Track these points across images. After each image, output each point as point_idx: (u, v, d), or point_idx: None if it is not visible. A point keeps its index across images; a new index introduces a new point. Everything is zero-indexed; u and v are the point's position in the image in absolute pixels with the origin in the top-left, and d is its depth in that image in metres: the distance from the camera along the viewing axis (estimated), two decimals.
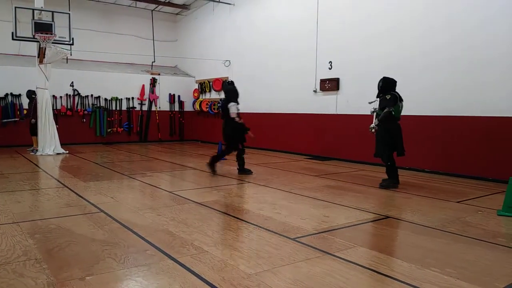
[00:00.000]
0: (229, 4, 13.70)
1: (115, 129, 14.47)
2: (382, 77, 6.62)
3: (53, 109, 11.41)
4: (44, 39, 10.44)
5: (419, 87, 8.28)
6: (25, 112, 12.00)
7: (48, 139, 10.83)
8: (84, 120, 13.87)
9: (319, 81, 10.48)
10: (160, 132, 15.46)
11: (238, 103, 7.51)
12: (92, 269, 3.07)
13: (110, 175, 7.72)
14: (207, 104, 15.02)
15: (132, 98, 14.88)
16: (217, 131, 14.33)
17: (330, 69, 10.20)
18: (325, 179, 7.27)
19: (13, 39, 10.48)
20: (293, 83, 11.30)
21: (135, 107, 14.98)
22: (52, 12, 10.78)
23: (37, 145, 11.11)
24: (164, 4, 15.63)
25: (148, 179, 7.22)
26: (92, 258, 3.31)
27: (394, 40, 8.75)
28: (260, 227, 4.19)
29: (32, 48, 11.07)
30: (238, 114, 7.44)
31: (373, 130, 6.44)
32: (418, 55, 8.31)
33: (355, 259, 3.28)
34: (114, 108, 14.48)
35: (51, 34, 10.55)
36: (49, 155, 10.58)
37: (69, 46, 11.27)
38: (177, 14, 16.71)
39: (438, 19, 7.96)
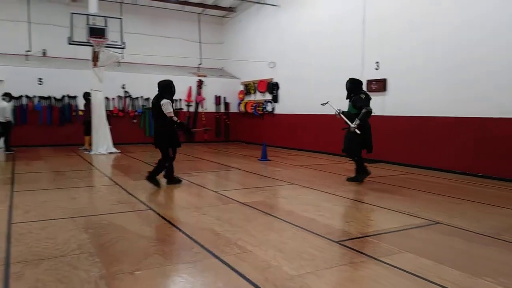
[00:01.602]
0: (274, 5, 13.74)
1: None
2: (349, 79, 7.05)
3: (106, 110, 11.95)
4: (98, 43, 10.98)
5: (469, 89, 7.91)
6: (80, 113, 12.64)
7: (102, 139, 11.36)
8: (135, 120, 14.43)
9: (365, 81, 10.27)
10: (206, 133, 15.75)
11: (172, 101, 6.40)
12: (141, 264, 3.20)
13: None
14: (252, 106, 15.14)
15: (180, 99, 15.29)
16: (262, 132, 14.51)
17: (377, 69, 9.97)
18: (370, 182, 7.11)
19: (69, 43, 11.10)
20: (338, 84, 11.10)
21: (182, 109, 15.37)
22: (105, 17, 11.30)
23: (88, 145, 11.69)
24: (211, 7, 15.94)
25: (194, 178, 7.38)
26: (141, 253, 3.44)
27: (447, 43, 8.40)
28: (304, 229, 4.17)
29: (86, 52, 11.66)
30: (175, 113, 6.48)
31: (357, 130, 6.58)
32: (472, 59, 7.92)
33: (401, 265, 3.19)
34: None
35: (104, 38, 11.07)
36: (102, 154, 11.09)
37: (121, 49, 11.77)
38: (223, 17, 17.00)
39: (495, 24, 7.55)
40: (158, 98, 6.27)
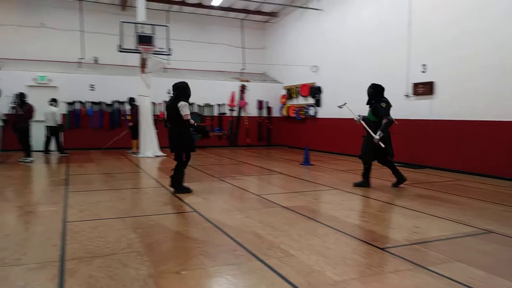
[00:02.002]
0: (317, 9, 13.69)
1: None
2: (371, 84, 6.90)
3: (152, 115, 12.35)
4: (146, 50, 11.39)
5: None
6: (128, 117, 13.13)
7: (148, 143, 11.76)
8: None
9: (411, 85, 10.00)
10: (249, 137, 15.91)
11: (189, 104, 6.13)
12: (186, 264, 3.30)
13: (202, 177, 8.14)
14: (294, 110, 15.13)
15: (223, 104, 15.55)
16: (304, 136, 14.44)
17: (423, 72, 9.68)
18: (416, 188, 6.91)
19: (119, 51, 11.60)
20: (385, 86, 10.90)
21: (226, 113, 15.62)
22: (153, 25, 11.71)
23: (136, 148, 12.13)
24: (254, 13, 16.12)
25: (237, 182, 7.48)
26: (186, 254, 3.54)
27: (497, 39, 8.03)
28: (348, 234, 4.12)
29: (135, 59, 12.12)
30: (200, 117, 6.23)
31: (381, 143, 6.47)
32: None
33: (451, 275, 3.08)
34: (206, 114, 15.26)
35: (152, 45, 11.48)
36: (149, 157, 11.46)
37: (167, 56, 12.14)
38: (265, 22, 17.13)
39: None
40: (174, 100, 6.02)
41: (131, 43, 11.44)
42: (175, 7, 15.35)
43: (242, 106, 15.83)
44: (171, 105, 6.03)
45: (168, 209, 5.25)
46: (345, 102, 7.50)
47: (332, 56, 13.17)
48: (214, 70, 16.11)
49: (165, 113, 6.30)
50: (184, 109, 5.92)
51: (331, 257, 3.46)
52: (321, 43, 13.68)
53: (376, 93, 6.77)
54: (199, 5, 15.27)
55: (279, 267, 3.21)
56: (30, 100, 10.55)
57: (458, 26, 8.85)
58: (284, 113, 15.74)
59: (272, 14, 16.37)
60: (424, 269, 3.20)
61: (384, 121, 6.47)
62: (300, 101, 14.99)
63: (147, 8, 12.10)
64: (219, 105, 15.49)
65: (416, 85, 9.86)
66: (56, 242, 3.82)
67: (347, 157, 11.92)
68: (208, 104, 15.25)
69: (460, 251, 3.72)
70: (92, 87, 13.60)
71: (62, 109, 12.96)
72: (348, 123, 12.25)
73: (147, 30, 11.62)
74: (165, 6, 15.06)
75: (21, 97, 10.26)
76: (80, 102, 13.53)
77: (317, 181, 7.66)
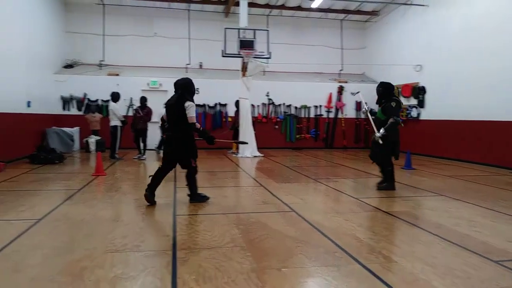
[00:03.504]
0: (422, 5, 12.94)
1: (303, 135, 15.31)
2: (380, 83, 6.90)
3: (251, 117, 12.79)
4: (247, 54, 11.84)
5: None
6: (230, 119, 13.76)
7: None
8: (277, 126, 15.11)
9: None
10: (345, 139, 15.62)
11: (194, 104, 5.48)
12: (287, 262, 3.39)
13: (298, 178, 8.23)
14: None
15: (320, 106, 15.48)
16: (405, 138, 13.66)
17: None
18: None
19: (223, 56, 12.22)
20: (498, 86, 9.95)
21: (322, 115, 15.53)
22: (254, 30, 12.12)
23: (235, 149, 12.66)
24: (354, 12, 15.78)
25: (333, 184, 7.42)
26: (286, 252, 3.64)
27: None
28: (456, 244, 3.87)
29: (236, 63, 12.65)
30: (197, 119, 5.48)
31: (380, 140, 6.35)
32: None
33: None
34: (302, 116, 15.35)
35: (253, 50, 11.89)
36: (248, 157, 11.89)
37: (266, 59, 12.47)
38: (365, 21, 16.66)
39: None
40: (178, 99, 5.40)
41: (233, 48, 11.98)
42: (275, 11, 15.67)
43: (339, 107, 15.60)
44: (175, 105, 5.39)
45: (268, 208, 5.42)
46: (358, 91, 7.31)
47: (437, 54, 12.35)
48: (311, 72, 16.11)
49: (165, 114, 5.68)
50: (191, 110, 5.35)
51: (438, 266, 3.29)
52: (426, 41, 12.90)
53: (386, 92, 6.72)
54: (298, 8, 15.39)
55: (381, 273, 3.14)
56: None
57: None
58: None
59: (373, 13, 15.87)
60: None
61: (391, 120, 6.41)
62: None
63: (249, 14, 12.55)
64: (316, 106, 15.47)
65: None
66: (169, 232, 4.19)
67: (452, 161, 11.11)
68: (304, 105, 15.32)
69: None
70: (197, 91, 14.35)
71: None
72: (456, 125, 11.43)
73: (248, 35, 12.05)
74: (266, 11, 15.48)
75: (142, 100, 11.31)
76: None
77: (419, 186, 7.26)
